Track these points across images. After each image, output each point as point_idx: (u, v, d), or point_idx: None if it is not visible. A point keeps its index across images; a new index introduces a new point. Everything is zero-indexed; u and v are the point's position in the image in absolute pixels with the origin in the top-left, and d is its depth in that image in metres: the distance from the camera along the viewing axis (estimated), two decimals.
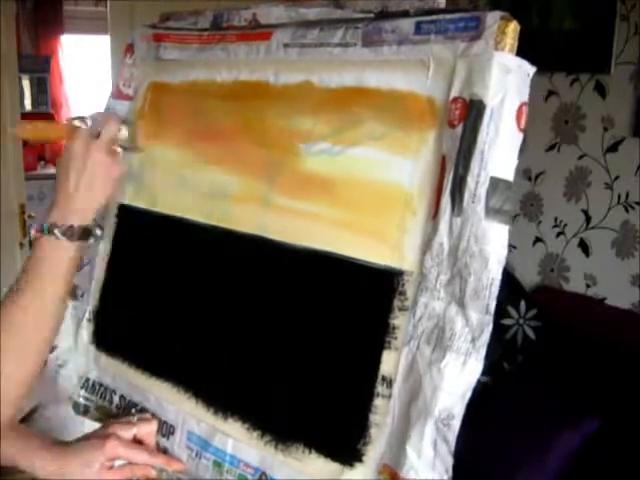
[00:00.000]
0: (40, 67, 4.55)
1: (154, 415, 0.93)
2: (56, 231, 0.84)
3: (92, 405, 1.04)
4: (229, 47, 0.92)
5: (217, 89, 0.94)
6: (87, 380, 1.05)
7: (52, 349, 1.09)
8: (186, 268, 0.95)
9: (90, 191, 0.86)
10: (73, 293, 1.09)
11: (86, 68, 4.93)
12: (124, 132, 0.92)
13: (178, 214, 0.96)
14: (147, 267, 1.00)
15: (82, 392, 1.05)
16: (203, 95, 0.96)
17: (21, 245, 2.69)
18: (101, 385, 1.03)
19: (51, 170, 4.55)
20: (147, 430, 0.90)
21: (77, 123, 0.87)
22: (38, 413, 2.59)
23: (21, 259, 2.72)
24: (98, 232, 0.89)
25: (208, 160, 0.94)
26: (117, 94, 1.07)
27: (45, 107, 4.62)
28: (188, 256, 0.95)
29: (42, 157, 4.67)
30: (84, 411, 1.05)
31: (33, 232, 0.85)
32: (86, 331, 1.07)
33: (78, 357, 1.07)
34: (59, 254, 0.84)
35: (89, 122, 0.87)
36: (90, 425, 1.10)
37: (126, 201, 1.04)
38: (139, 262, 1.02)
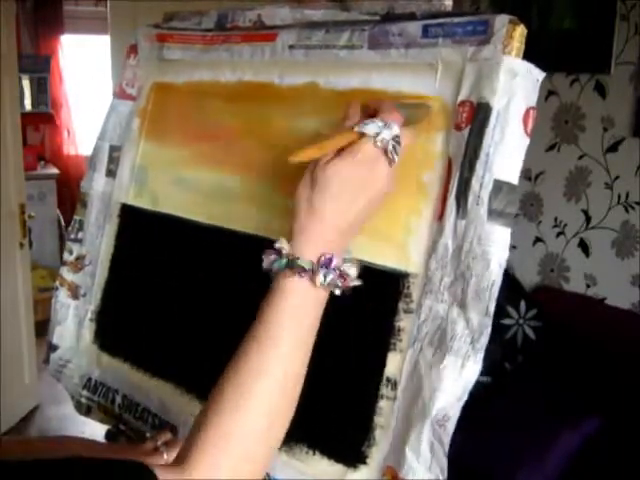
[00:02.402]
0: (40, 67, 4.54)
1: (159, 416, 0.93)
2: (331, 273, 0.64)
3: (94, 405, 1.04)
4: (233, 48, 0.92)
5: (221, 90, 0.94)
6: (89, 380, 1.05)
7: (54, 349, 1.09)
8: (188, 268, 0.95)
9: (364, 217, 0.68)
10: (75, 293, 1.09)
11: (86, 68, 4.92)
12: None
13: (180, 214, 0.96)
14: (149, 267, 1.00)
15: (84, 392, 1.05)
16: (207, 96, 0.96)
17: (21, 245, 2.68)
18: (103, 385, 1.03)
19: (51, 170, 4.53)
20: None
21: (368, 131, 0.66)
22: (38, 413, 2.59)
23: (21, 259, 2.70)
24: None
25: (211, 161, 0.94)
26: (120, 94, 1.07)
27: (45, 107, 4.62)
28: (190, 256, 0.95)
29: (42, 157, 4.66)
30: (87, 411, 1.05)
31: (276, 266, 0.65)
32: (88, 331, 1.07)
33: (80, 357, 1.07)
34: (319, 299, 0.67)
35: (383, 131, 0.66)
36: (91, 425, 1.10)
37: (129, 201, 1.04)
38: (141, 262, 1.01)
